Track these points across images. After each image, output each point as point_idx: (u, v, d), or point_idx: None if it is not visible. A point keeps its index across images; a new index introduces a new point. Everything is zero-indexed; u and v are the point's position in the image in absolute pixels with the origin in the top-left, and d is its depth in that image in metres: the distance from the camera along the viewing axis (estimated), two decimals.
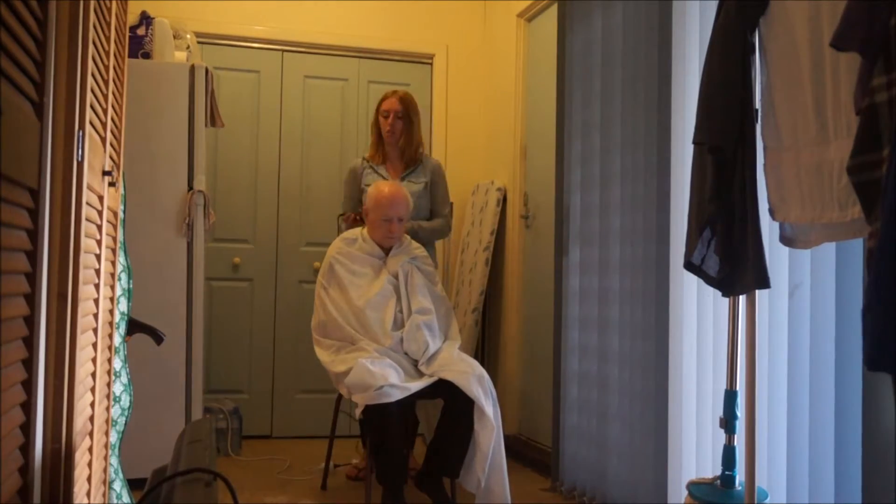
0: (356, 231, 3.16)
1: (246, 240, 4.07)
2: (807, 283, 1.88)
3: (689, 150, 2.07)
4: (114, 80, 1.74)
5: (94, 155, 1.42)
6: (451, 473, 2.88)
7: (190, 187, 3.17)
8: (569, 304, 3.05)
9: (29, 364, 1.06)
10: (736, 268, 1.85)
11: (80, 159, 1.24)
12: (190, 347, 3.18)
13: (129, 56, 2.21)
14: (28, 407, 1.06)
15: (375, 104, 4.23)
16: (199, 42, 3.70)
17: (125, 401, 2.02)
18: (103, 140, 1.58)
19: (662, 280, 2.43)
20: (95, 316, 1.55)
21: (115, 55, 1.74)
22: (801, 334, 1.93)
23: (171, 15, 3.44)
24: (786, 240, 1.83)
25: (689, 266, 1.99)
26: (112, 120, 1.72)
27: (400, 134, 3.33)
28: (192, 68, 3.20)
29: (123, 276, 2.01)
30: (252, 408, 3.96)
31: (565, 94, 3.07)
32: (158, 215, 3.14)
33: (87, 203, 1.35)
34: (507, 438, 2.95)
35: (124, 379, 2.02)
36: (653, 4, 2.50)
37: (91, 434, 1.52)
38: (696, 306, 2.32)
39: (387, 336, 2.90)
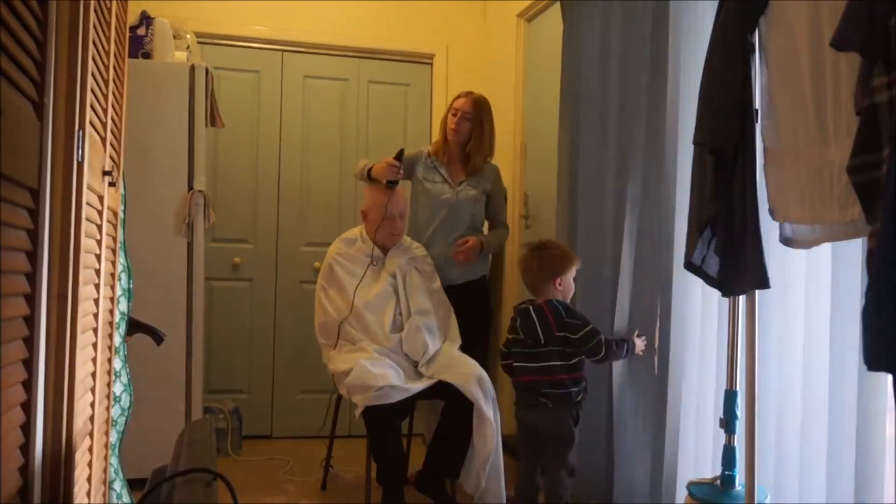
0: (355, 231, 3.16)
1: (246, 240, 4.07)
2: (826, 281, 1.84)
3: (690, 150, 2.07)
4: (114, 80, 1.74)
5: (94, 155, 1.42)
6: (451, 474, 2.88)
7: (190, 187, 3.17)
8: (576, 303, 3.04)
9: (29, 364, 1.06)
10: (736, 268, 1.85)
11: (80, 159, 1.24)
12: (190, 347, 3.18)
13: (129, 56, 2.20)
14: (28, 407, 1.06)
15: (375, 104, 4.26)
16: (199, 42, 3.70)
17: (125, 401, 2.02)
18: (103, 140, 1.58)
19: (664, 280, 2.42)
20: (95, 316, 1.55)
21: (115, 55, 1.74)
22: (818, 333, 1.88)
23: (171, 15, 3.44)
24: (786, 240, 1.83)
25: (690, 266, 1.99)
26: (112, 120, 1.72)
27: (465, 136, 3.24)
28: (192, 68, 3.20)
29: (123, 276, 2.01)
30: (252, 408, 3.96)
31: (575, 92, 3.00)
32: (158, 215, 3.14)
33: (87, 203, 1.35)
34: (507, 438, 2.95)
35: (124, 379, 2.02)
36: (652, 4, 2.50)
37: (91, 434, 1.52)
38: (699, 306, 2.31)
39: (386, 338, 2.90)
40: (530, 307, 2.51)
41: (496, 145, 3.41)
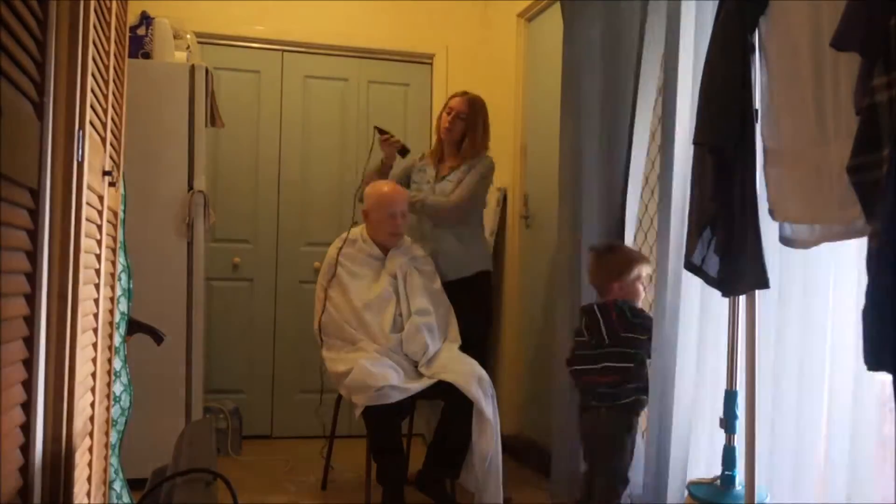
0: (356, 231, 3.16)
1: (246, 240, 4.07)
2: (830, 282, 1.84)
3: (690, 150, 2.07)
4: (114, 80, 1.74)
5: (94, 155, 1.42)
6: (451, 474, 2.88)
7: (190, 187, 3.17)
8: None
9: (29, 364, 1.06)
10: (736, 268, 1.85)
11: (80, 159, 1.24)
12: (190, 347, 3.17)
13: (129, 56, 2.20)
14: (28, 407, 1.06)
15: (375, 104, 4.26)
16: (199, 42, 3.70)
17: (125, 401, 2.02)
18: (103, 140, 1.58)
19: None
20: (95, 316, 1.55)
21: (115, 55, 1.74)
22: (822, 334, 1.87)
23: (171, 15, 3.44)
24: (786, 240, 1.83)
25: (690, 266, 1.99)
26: (112, 120, 1.72)
27: (459, 135, 3.26)
28: (192, 68, 3.20)
29: (123, 276, 2.01)
30: (252, 408, 3.96)
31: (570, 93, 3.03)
32: (158, 215, 3.14)
33: (87, 203, 1.35)
34: (507, 438, 2.95)
35: (124, 379, 2.02)
36: (652, 4, 2.50)
37: (91, 434, 1.52)
38: (699, 305, 2.31)
39: (387, 338, 2.90)
40: (595, 305, 2.43)
41: (496, 145, 3.41)
